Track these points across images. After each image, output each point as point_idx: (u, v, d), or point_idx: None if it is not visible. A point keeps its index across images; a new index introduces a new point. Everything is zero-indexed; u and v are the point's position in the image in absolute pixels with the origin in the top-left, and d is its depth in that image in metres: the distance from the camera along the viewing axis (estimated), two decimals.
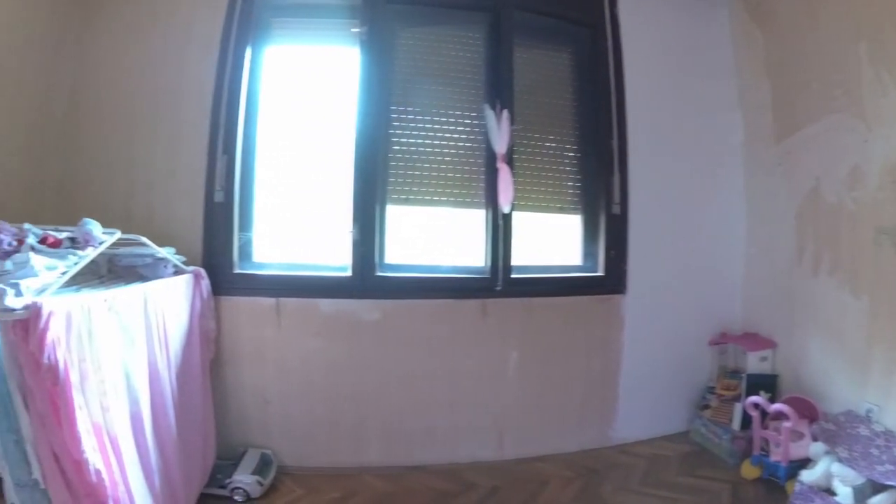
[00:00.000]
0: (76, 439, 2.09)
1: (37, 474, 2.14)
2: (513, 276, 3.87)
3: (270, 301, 3.56)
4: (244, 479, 3.29)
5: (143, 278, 2.93)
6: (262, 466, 3.44)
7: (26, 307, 1.98)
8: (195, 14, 3.72)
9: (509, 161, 3.72)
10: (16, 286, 2.00)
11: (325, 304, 3.60)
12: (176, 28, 3.74)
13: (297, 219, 3.86)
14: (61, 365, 2.05)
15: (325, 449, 3.70)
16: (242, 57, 3.65)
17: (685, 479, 3.63)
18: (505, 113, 3.64)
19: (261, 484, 3.31)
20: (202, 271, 3.32)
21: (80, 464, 2.10)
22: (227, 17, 3.69)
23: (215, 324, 3.46)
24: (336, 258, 3.72)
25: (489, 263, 3.86)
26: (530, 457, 3.87)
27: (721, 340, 4.34)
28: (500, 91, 3.82)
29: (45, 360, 1.99)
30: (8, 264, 2.20)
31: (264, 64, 3.78)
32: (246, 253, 3.67)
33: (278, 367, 3.62)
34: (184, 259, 3.20)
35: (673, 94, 4.27)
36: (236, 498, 3.26)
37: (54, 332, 2.03)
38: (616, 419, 4.12)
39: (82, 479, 2.11)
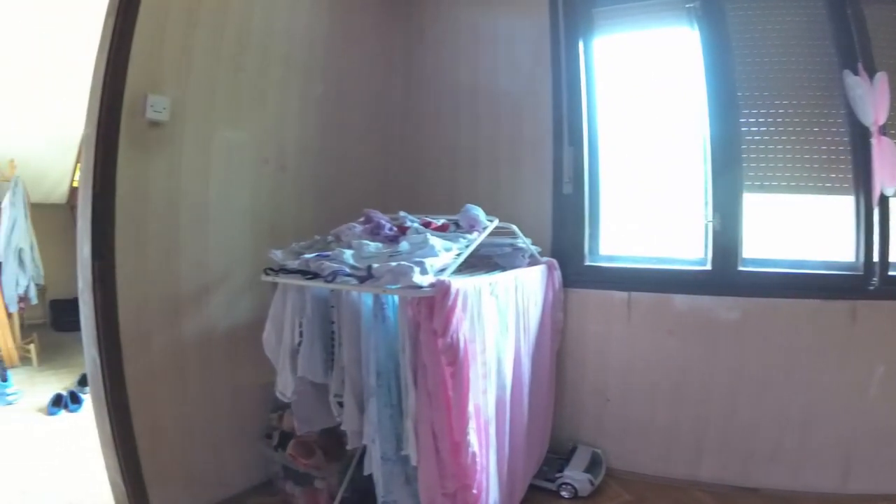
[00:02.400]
0: (463, 420, 2.02)
1: (409, 451, 2.08)
2: (890, 273, 3.08)
3: (622, 295, 3.28)
4: (576, 475, 3.08)
5: (499, 267, 2.81)
6: (592, 465, 3.20)
7: (432, 285, 1.88)
8: (517, 21, 3.67)
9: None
10: (421, 264, 1.91)
11: (680, 300, 3.23)
12: (502, 31, 3.72)
13: (646, 209, 3.53)
14: (461, 344, 1.97)
15: (657, 456, 3.34)
16: (575, 50, 3.49)
17: None
18: (881, 76, 2.94)
19: (591, 483, 3.08)
20: (555, 262, 3.18)
21: (460, 445, 2.02)
22: (551, 16, 3.55)
23: (563, 315, 3.26)
24: (689, 251, 3.32)
25: (861, 258, 3.11)
26: (876, 494, 3.11)
27: None
28: (858, 54, 3.09)
29: (448, 339, 1.90)
30: (404, 245, 2.16)
31: (595, 55, 3.55)
32: (594, 245, 3.42)
33: (622, 365, 3.34)
34: (539, 250, 3.04)
35: None
36: (563, 494, 3.06)
37: (459, 311, 1.89)
38: None
39: (456, 461, 2.03)
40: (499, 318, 2.38)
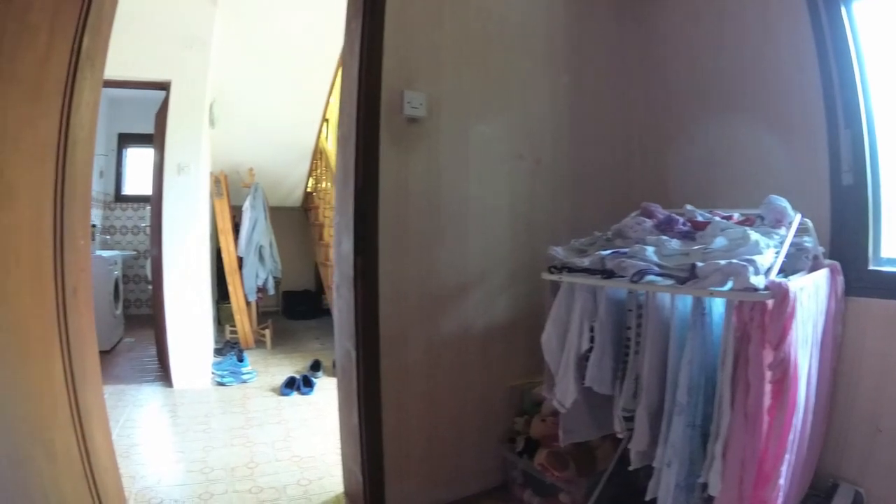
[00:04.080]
0: (780, 449, 1.62)
1: (712, 479, 1.67)
2: None
3: None
4: None
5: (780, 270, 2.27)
6: None
7: (768, 287, 1.45)
8: None
9: None
10: (752, 263, 1.49)
11: None
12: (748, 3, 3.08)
13: None
14: (791, 359, 1.57)
15: None
16: (837, 15, 2.79)
17: None
18: None
19: None
20: (838, 266, 2.55)
21: (769, 477, 1.60)
22: None
23: (842, 328, 2.65)
24: None
25: None
26: None
27: None
28: None
29: (782, 353, 1.53)
30: (719, 241, 1.80)
31: (857, 22, 2.86)
32: (877, 245, 2.77)
33: None
34: (823, 250, 2.49)
35: None
36: None
37: (795, 319, 1.48)
38: None
39: (758, 494, 1.61)
40: (802, 329, 1.91)
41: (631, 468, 1.94)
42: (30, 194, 1.75)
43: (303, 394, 4.43)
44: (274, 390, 4.53)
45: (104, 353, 5.51)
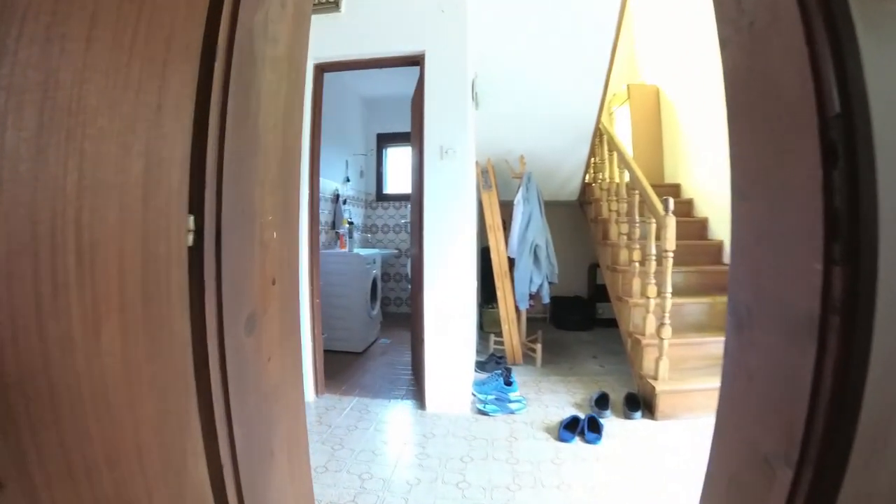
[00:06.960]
0: None
1: None
2: None
3: None
4: None
5: None
6: None
7: None
8: None
9: None
10: None
11: None
12: None
13: None
14: None
15: None
16: None
17: None
18: None
19: None
20: None
21: None
22: None
23: None
24: None
25: None
26: None
27: None
28: None
29: None
30: None
31: None
32: None
33: None
34: None
35: None
36: None
37: None
38: None
39: None
40: None
41: None
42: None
43: (587, 441, 3.16)
44: (549, 430, 3.34)
45: (356, 356, 5.10)
